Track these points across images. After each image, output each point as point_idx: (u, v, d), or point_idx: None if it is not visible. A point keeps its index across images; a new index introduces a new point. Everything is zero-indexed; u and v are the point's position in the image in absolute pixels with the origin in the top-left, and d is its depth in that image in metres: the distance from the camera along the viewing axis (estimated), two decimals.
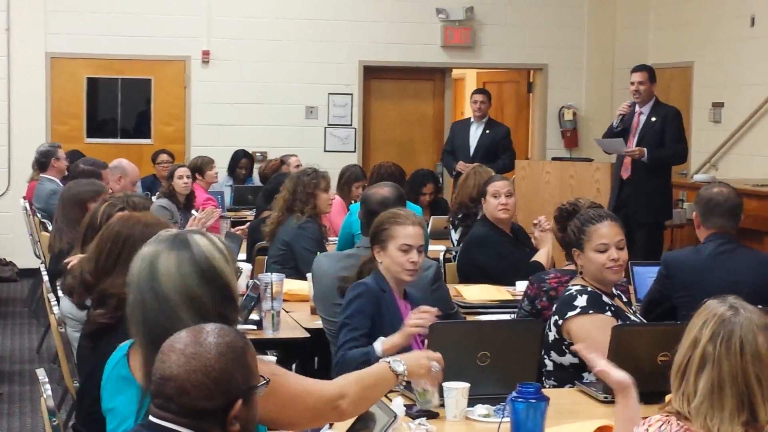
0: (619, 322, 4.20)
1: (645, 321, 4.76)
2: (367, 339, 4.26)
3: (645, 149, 8.84)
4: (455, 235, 7.38)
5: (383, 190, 5.55)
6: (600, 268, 4.33)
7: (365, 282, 4.44)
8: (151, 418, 2.34)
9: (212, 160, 10.11)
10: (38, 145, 9.90)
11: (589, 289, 4.35)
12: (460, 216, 7.24)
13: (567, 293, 4.39)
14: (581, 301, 4.30)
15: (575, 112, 12.87)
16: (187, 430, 2.29)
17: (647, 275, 5.59)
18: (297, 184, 6.70)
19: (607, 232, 4.36)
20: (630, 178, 8.96)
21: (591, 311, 4.28)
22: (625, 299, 4.56)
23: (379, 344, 4.16)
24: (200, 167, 9.96)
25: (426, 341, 4.08)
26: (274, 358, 4.14)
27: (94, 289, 3.65)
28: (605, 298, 4.33)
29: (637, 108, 9.05)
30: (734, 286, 4.84)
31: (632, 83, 9.03)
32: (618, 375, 3.19)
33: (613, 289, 4.48)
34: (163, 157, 10.94)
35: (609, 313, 4.26)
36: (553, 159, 11.26)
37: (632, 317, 4.43)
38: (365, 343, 4.24)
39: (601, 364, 3.26)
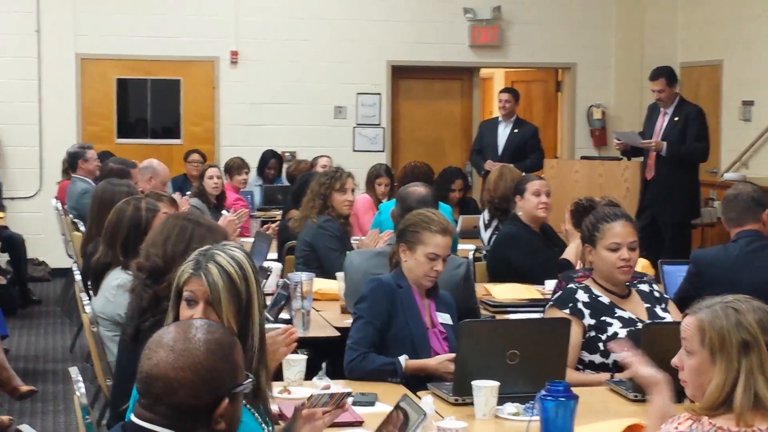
0: (587, 323, 4.27)
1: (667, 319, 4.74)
2: (381, 334, 4.31)
3: (664, 142, 8.85)
4: (485, 234, 7.39)
5: (420, 189, 5.63)
6: (610, 267, 4.37)
7: (380, 277, 4.48)
8: (132, 418, 2.27)
9: (244, 166, 10.14)
10: (69, 146, 10.00)
11: (582, 285, 4.41)
12: (500, 212, 7.20)
13: None
14: (557, 293, 4.47)
15: (604, 111, 12.83)
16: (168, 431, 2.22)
17: (677, 274, 5.58)
18: (315, 185, 6.72)
19: (621, 231, 4.39)
20: (654, 178, 8.97)
21: (552, 302, 4.42)
22: (648, 290, 4.53)
23: (404, 360, 4.19)
24: (230, 169, 10.04)
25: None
26: (305, 357, 4.17)
27: (165, 276, 3.66)
28: (601, 299, 4.35)
29: (661, 109, 9.07)
30: (764, 284, 4.85)
31: (653, 91, 9.06)
32: (647, 372, 3.20)
33: (650, 286, 4.50)
34: (195, 156, 11.01)
35: (567, 310, 4.31)
36: (582, 158, 11.24)
37: (661, 313, 4.43)
38: (378, 339, 4.28)
39: (632, 365, 3.27)
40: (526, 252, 6.27)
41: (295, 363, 4.10)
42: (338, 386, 4.00)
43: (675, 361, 2.82)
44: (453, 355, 4.11)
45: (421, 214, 4.56)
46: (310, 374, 4.13)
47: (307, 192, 6.83)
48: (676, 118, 8.96)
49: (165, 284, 3.65)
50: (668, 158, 8.87)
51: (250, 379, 2.35)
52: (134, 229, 4.76)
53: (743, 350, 2.65)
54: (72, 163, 9.53)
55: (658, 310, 4.43)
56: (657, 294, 4.54)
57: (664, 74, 9.06)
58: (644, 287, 4.53)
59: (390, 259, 4.60)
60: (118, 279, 4.70)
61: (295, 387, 4.01)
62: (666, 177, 8.91)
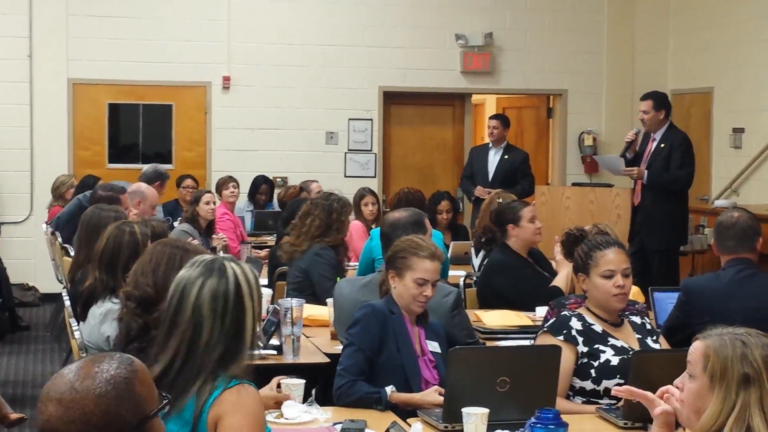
0: (581, 350, 4.26)
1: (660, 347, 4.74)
2: (371, 360, 4.29)
3: (645, 170, 8.85)
4: (476, 261, 7.37)
5: (397, 213, 5.65)
6: (605, 294, 4.37)
7: (372, 303, 4.48)
8: None
9: (230, 180, 10.32)
10: (60, 172, 9.99)
11: (575, 312, 4.40)
12: (483, 240, 7.22)
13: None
14: (551, 320, 4.46)
15: (595, 137, 12.87)
16: None
17: (667, 301, 5.58)
18: (323, 213, 6.56)
19: (614, 258, 4.41)
20: (640, 204, 8.96)
21: (545, 329, 4.40)
22: (639, 322, 4.53)
23: (389, 391, 4.16)
24: (218, 187, 10.16)
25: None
26: (302, 381, 4.12)
27: (156, 306, 3.58)
28: (594, 327, 4.34)
29: (651, 134, 9.07)
30: (754, 312, 4.85)
31: (639, 111, 9.09)
32: (662, 406, 3.19)
33: (642, 319, 4.50)
34: (188, 182, 11.01)
35: (561, 337, 4.30)
36: (573, 184, 11.25)
37: (652, 345, 4.42)
38: (368, 366, 4.27)
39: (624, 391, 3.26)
40: (515, 280, 6.25)
41: (295, 388, 4.08)
42: (326, 413, 3.99)
43: (677, 382, 2.82)
44: (438, 388, 4.10)
45: (409, 240, 4.58)
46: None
47: (312, 219, 6.60)
48: (662, 145, 8.96)
49: (156, 314, 3.61)
50: (650, 186, 8.87)
51: (165, 401, 2.22)
52: (134, 254, 4.73)
53: (743, 383, 2.64)
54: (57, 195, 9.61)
55: (649, 341, 4.42)
56: (648, 326, 4.54)
57: (653, 97, 9.05)
58: (636, 319, 4.53)
59: (380, 287, 4.60)
60: (103, 307, 4.71)
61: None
62: (651, 203, 8.89)
